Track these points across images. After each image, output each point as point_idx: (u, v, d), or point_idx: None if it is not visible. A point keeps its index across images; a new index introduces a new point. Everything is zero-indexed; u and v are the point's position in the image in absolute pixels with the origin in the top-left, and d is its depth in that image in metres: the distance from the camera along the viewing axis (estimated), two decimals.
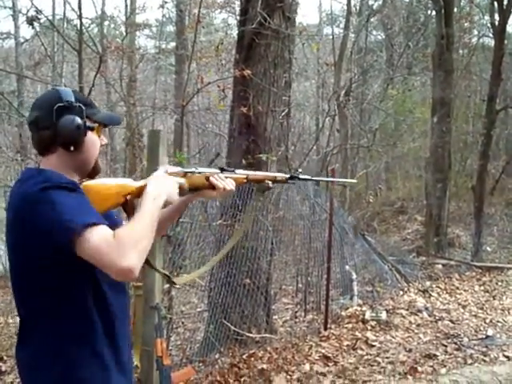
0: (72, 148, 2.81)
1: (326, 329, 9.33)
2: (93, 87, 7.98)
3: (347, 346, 8.74)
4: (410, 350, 8.72)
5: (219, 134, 20.52)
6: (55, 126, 2.78)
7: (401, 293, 11.88)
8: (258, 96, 8.63)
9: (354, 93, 17.98)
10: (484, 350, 8.85)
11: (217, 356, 7.84)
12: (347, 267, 11.57)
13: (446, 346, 8.98)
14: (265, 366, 7.41)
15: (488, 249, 17.97)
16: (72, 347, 2.75)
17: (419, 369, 7.89)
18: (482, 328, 10.09)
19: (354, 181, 3.99)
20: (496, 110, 17.71)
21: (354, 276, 11.48)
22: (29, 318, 2.83)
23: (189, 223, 7.73)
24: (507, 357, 8.57)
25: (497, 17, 18.08)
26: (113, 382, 2.87)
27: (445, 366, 8.10)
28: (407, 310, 10.71)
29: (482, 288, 13.15)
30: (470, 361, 8.36)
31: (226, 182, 3.19)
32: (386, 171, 27.04)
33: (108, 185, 2.85)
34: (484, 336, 9.54)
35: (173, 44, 28.74)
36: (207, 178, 3.15)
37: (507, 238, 20.44)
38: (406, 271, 13.48)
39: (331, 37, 23.17)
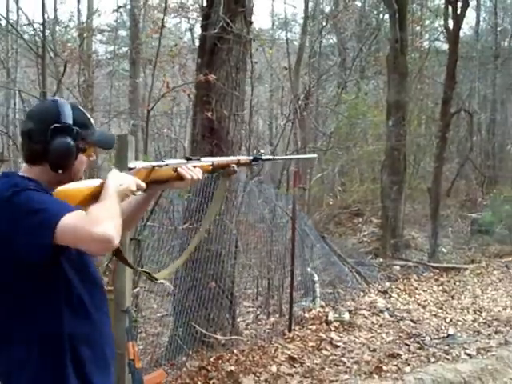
0: (60, 171, 2.85)
1: (290, 330, 9.39)
2: (57, 92, 7.96)
3: (312, 346, 8.82)
4: (374, 350, 8.84)
5: (175, 139, 20.55)
6: (48, 144, 2.80)
7: (361, 294, 12.01)
8: (221, 100, 8.66)
9: (312, 97, 18.07)
10: (446, 348, 9.00)
11: (184, 359, 7.86)
12: (309, 269, 11.65)
13: (408, 346, 9.11)
14: (233, 368, 7.45)
15: (443, 250, 18.18)
16: (46, 350, 2.79)
17: (384, 368, 8.00)
18: (442, 327, 10.27)
19: (315, 156, 4.02)
20: (451, 112, 17.97)
21: (316, 278, 11.55)
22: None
23: (155, 227, 7.75)
24: (469, 355, 8.71)
25: (451, 21, 18.35)
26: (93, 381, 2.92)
27: (409, 365, 8.22)
28: (369, 310, 10.84)
29: (441, 288, 13.34)
30: (433, 359, 8.51)
31: (194, 171, 3.25)
32: (341, 175, 27.17)
33: (76, 189, 2.84)
34: (445, 335, 9.71)
35: (125, 49, 28.62)
36: (175, 170, 3.21)
37: (462, 239, 20.71)
38: (366, 273, 13.61)
39: (286, 41, 23.32)
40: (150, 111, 8.04)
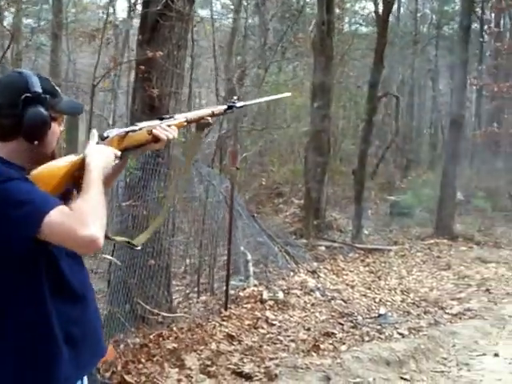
0: (36, 142, 2.74)
1: (226, 309, 9.43)
2: None
3: (249, 325, 8.89)
4: (309, 329, 8.98)
5: (99, 115, 20.29)
6: (20, 116, 2.68)
7: (291, 273, 12.07)
8: (162, 78, 8.60)
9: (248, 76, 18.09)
10: (378, 327, 9.23)
11: (121, 336, 7.81)
12: (242, 248, 11.68)
13: (342, 325, 9.29)
14: (175, 346, 7.46)
15: (365, 231, 18.45)
16: (29, 335, 2.72)
17: (321, 346, 8.13)
18: (373, 307, 10.49)
19: (289, 94, 4.02)
20: (377, 96, 18.22)
21: (250, 257, 11.60)
22: None
23: None
24: (401, 334, 8.94)
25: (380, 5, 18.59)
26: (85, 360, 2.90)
27: (344, 344, 8.39)
28: (301, 290, 10.94)
29: (367, 269, 13.59)
30: (366, 338, 8.71)
31: (169, 130, 3.17)
32: (262, 155, 27.18)
33: (55, 168, 2.79)
34: (377, 315, 9.94)
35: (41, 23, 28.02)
36: (149, 132, 3.13)
37: (381, 222, 21.10)
38: (294, 253, 13.70)
39: (210, 18, 23.18)
40: (95, 86, 7.93)
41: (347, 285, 12.02)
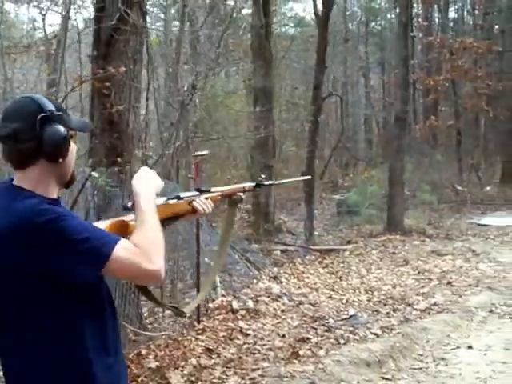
0: (60, 160, 2.69)
1: (199, 322, 9.33)
2: None
3: (224, 337, 8.80)
4: (284, 336, 8.95)
5: None
6: (39, 137, 2.62)
7: (255, 281, 12.01)
8: (120, 92, 8.52)
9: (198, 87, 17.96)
10: (351, 329, 9.27)
11: None
12: (206, 259, 11.58)
13: (315, 329, 9.29)
14: (157, 364, 7.37)
15: (316, 232, 18.52)
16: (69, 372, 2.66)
17: (300, 353, 8.13)
18: (341, 309, 10.52)
19: (309, 177, 4.22)
20: (322, 97, 18.32)
21: None
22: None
23: None
24: (375, 334, 9.02)
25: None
26: None
27: (321, 348, 8.39)
28: (268, 297, 10.88)
29: (327, 270, 13.62)
30: (342, 341, 8.73)
31: (207, 204, 3.29)
32: (207, 163, 27.08)
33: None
34: (347, 316, 9.97)
35: None
36: (189, 203, 3.25)
37: (330, 221, 21.24)
38: (256, 259, 13.66)
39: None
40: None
41: (311, 288, 12.01)
